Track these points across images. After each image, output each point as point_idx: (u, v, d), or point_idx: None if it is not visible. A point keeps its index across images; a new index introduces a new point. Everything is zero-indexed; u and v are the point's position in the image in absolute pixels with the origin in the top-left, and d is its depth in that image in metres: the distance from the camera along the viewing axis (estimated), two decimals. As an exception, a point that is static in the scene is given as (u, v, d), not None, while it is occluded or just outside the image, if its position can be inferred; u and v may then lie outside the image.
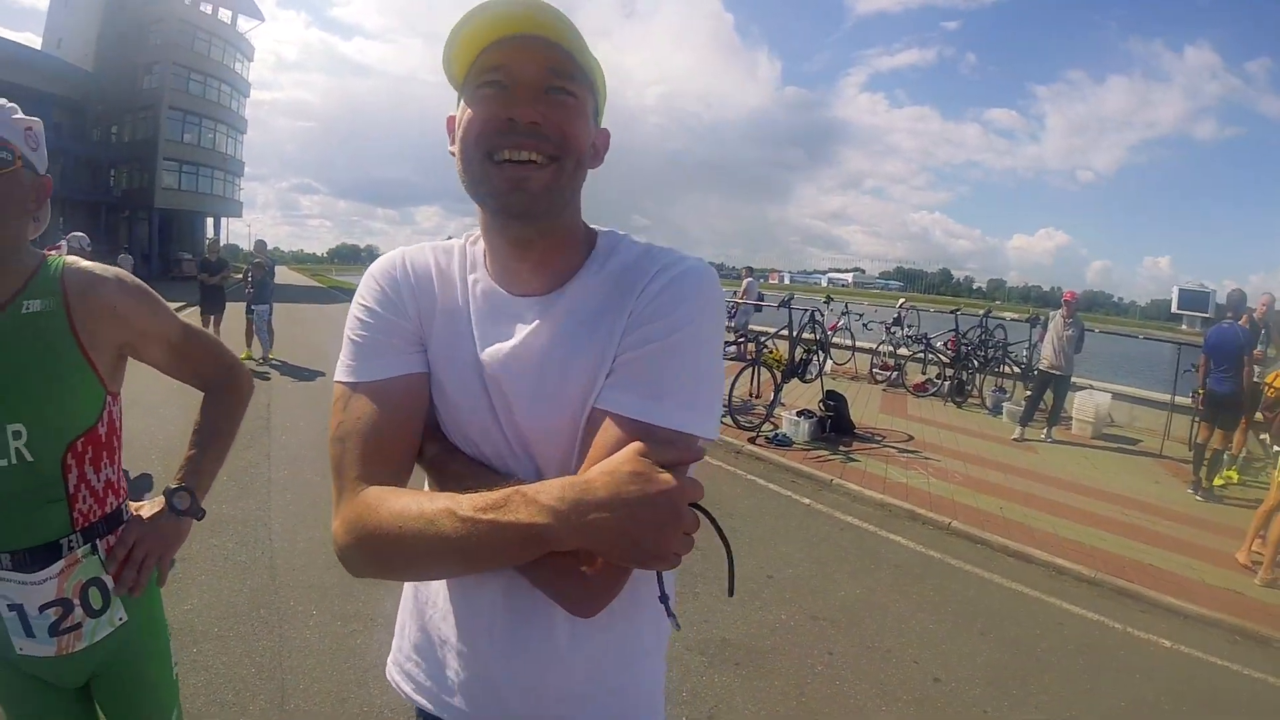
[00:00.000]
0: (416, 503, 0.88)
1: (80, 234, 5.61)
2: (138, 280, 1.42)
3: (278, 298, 13.18)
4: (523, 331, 0.97)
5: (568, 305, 0.97)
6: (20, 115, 1.32)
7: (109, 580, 1.36)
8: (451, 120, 0.99)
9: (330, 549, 0.94)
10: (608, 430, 0.89)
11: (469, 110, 0.92)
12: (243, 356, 11.30)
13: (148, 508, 1.46)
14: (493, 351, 0.98)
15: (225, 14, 46.84)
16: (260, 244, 12.35)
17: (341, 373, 1.01)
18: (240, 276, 11.79)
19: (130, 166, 42.87)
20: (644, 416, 0.88)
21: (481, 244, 1.05)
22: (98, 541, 1.36)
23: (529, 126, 0.88)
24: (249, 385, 1.63)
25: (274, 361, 11.43)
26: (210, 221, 48.27)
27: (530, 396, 0.95)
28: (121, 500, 1.43)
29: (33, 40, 44.64)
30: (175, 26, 41.75)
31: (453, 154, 0.97)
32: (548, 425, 0.95)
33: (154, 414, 6.53)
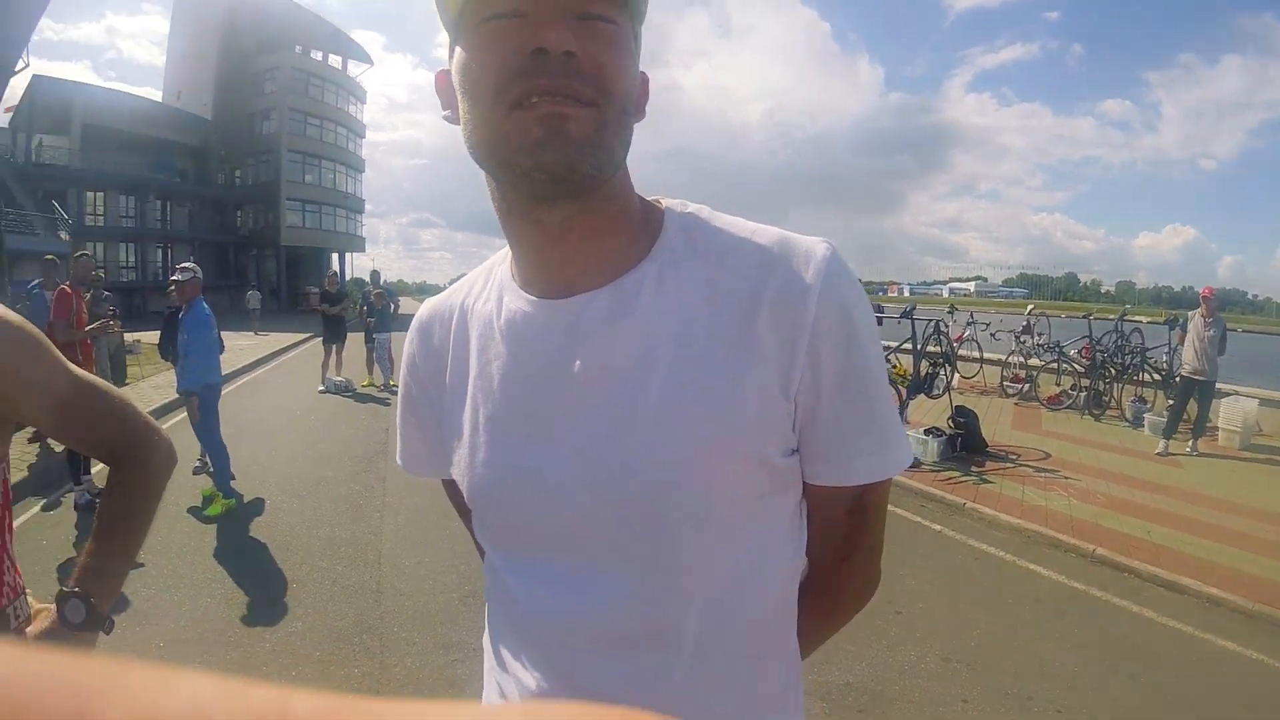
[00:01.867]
0: None
1: (190, 265, 5.73)
2: (18, 319, 1.11)
3: (401, 327, 13.80)
4: (578, 347, 0.76)
5: (650, 304, 0.75)
6: None
7: None
8: (444, 77, 0.77)
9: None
10: (837, 499, 0.79)
11: (475, 53, 0.69)
12: (363, 384, 12.07)
13: (40, 618, 1.19)
14: (525, 383, 0.79)
15: (335, 60, 50.39)
16: (374, 274, 13.08)
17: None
18: (359, 308, 12.32)
19: (255, 207, 46.67)
20: (882, 475, 0.77)
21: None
22: None
23: (563, 58, 0.65)
24: (167, 458, 1.25)
25: (394, 388, 11.81)
26: (335, 257, 50.99)
27: (604, 439, 0.74)
28: (11, 599, 1.16)
29: (154, 94, 49.16)
30: (288, 74, 45.31)
31: (447, 119, 0.76)
32: (643, 481, 0.73)
33: (267, 438, 7.00)
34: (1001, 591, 4.58)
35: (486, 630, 0.92)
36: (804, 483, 0.80)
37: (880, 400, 0.76)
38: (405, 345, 0.96)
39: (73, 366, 1.17)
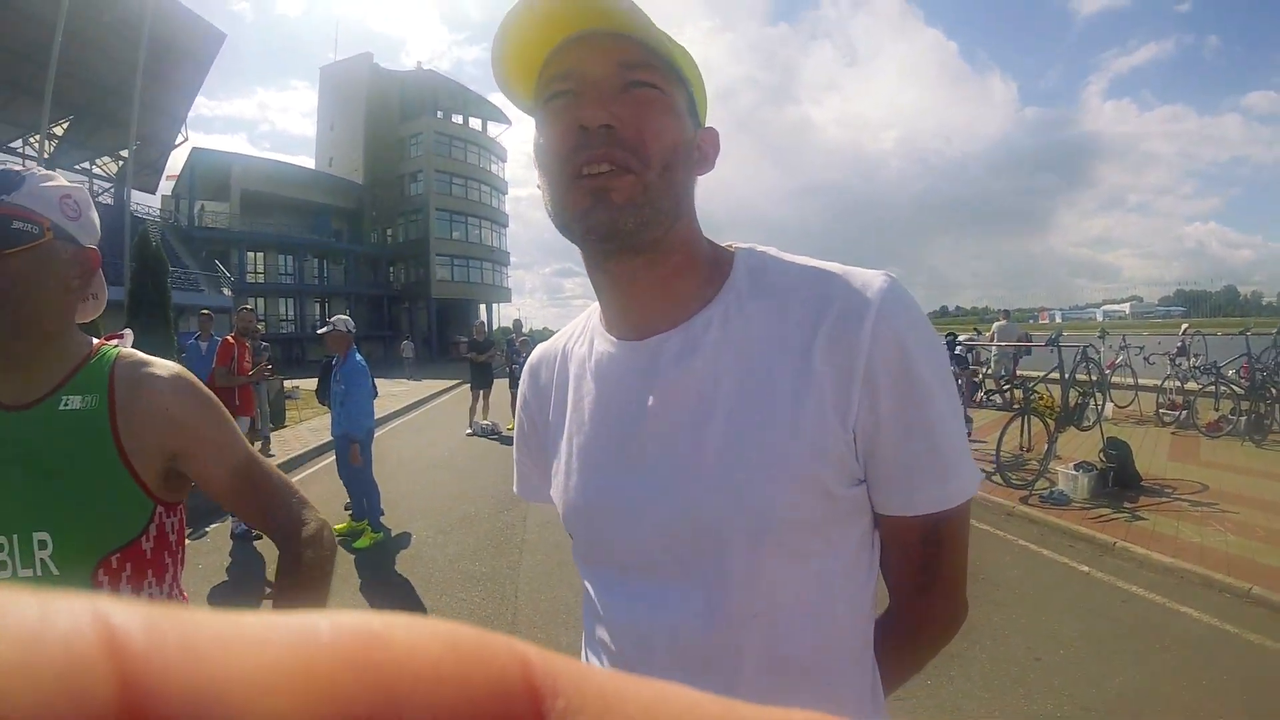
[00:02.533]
0: None
1: (344, 316, 6.09)
2: (200, 384, 1.23)
3: None
4: (653, 384, 0.83)
5: (716, 342, 0.81)
6: (57, 182, 1.14)
7: None
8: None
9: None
10: (908, 529, 0.82)
11: (543, 132, 0.80)
12: (509, 427, 12.40)
13: None
14: (610, 417, 0.87)
15: (475, 122, 53.66)
16: (517, 324, 13.94)
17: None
18: (505, 355, 13.05)
19: (407, 263, 50.18)
20: (943, 505, 0.80)
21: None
22: None
23: (602, 132, 0.75)
24: (330, 543, 1.26)
25: None
26: (482, 307, 53.73)
27: (674, 468, 0.81)
28: None
29: (307, 162, 54.28)
30: (431, 139, 48.70)
31: (540, 188, 0.84)
32: (707, 505, 0.78)
33: (416, 477, 7.42)
34: (1149, 637, 4.34)
35: (583, 648, 0.97)
36: (876, 514, 0.84)
37: (943, 430, 0.79)
38: (519, 385, 1.09)
39: (249, 446, 1.25)
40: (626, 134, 0.76)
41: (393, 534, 6.35)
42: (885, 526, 0.85)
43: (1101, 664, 4.03)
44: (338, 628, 0.12)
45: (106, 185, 32.63)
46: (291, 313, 43.02)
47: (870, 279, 0.80)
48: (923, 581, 0.86)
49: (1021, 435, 8.41)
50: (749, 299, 0.83)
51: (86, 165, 32.30)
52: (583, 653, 0.97)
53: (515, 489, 1.14)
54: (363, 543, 5.97)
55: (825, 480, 0.78)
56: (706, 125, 0.90)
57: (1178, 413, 10.93)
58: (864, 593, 0.85)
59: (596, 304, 0.94)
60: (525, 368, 1.06)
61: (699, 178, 0.86)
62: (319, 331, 6.25)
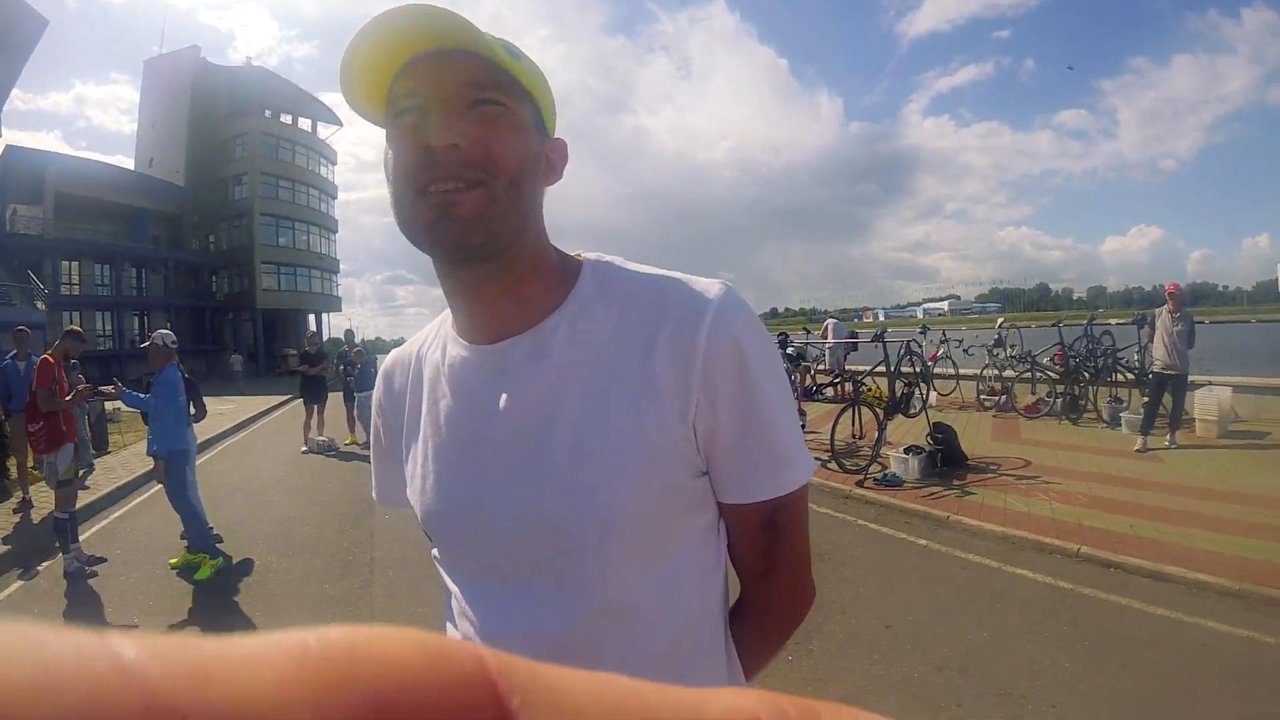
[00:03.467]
0: None
1: (165, 331, 5.80)
2: None
3: None
4: (504, 386, 0.85)
5: (563, 345, 0.84)
6: None
7: None
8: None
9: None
10: (749, 517, 0.86)
11: (391, 146, 0.82)
12: (346, 442, 12.09)
13: None
14: (463, 419, 0.89)
15: (305, 123, 50.80)
16: (349, 334, 13.20)
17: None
18: (338, 367, 12.46)
19: (230, 271, 46.75)
20: (778, 491, 0.84)
21: None
22: None
23: (448, 150, 0.77)
24: None
25: None
26: (311, 318, 51.05)
27: (524, 469, 0.83)
28: None
29: (126, 162, 49.25)
30: (258, 139, 45.76)
31: (390, 201, 0.86)
32: (556, 503, 0.81)
33: (253, 499, 7.06)
34: (990, 598, 4.61)
35: None
36: (719, 503, 0.87)
37: (777, 424, 0.83)
38: (374, 390, 1.08)
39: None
40: (473, 152, 0.77)
41: (234, 561, 5.91)
42: (728, 515, 0.89)
43: (949, 625, 4.23)
44: (324, 642, 0.13)
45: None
46: (109, 327, 39.15)
47: (707, 286, 0.84)
48: (766, 566, 0.90)
49: (853, 424, 8.81)
50: (595, 304, 0.85)
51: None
52: None
53: (374, 495, 1.12)
54: (203, 573, 5.47)
55: (669, 475, 0.81)
56: (555, 136, 0.91)
57: (998, 397, 11.76)
58: (714, 582, 0.89)
59: (448, 310, 0.94)
60: (380, 373, 1.06)
61: (547, 188, 0.88)
62: (141, 346, 5.80)
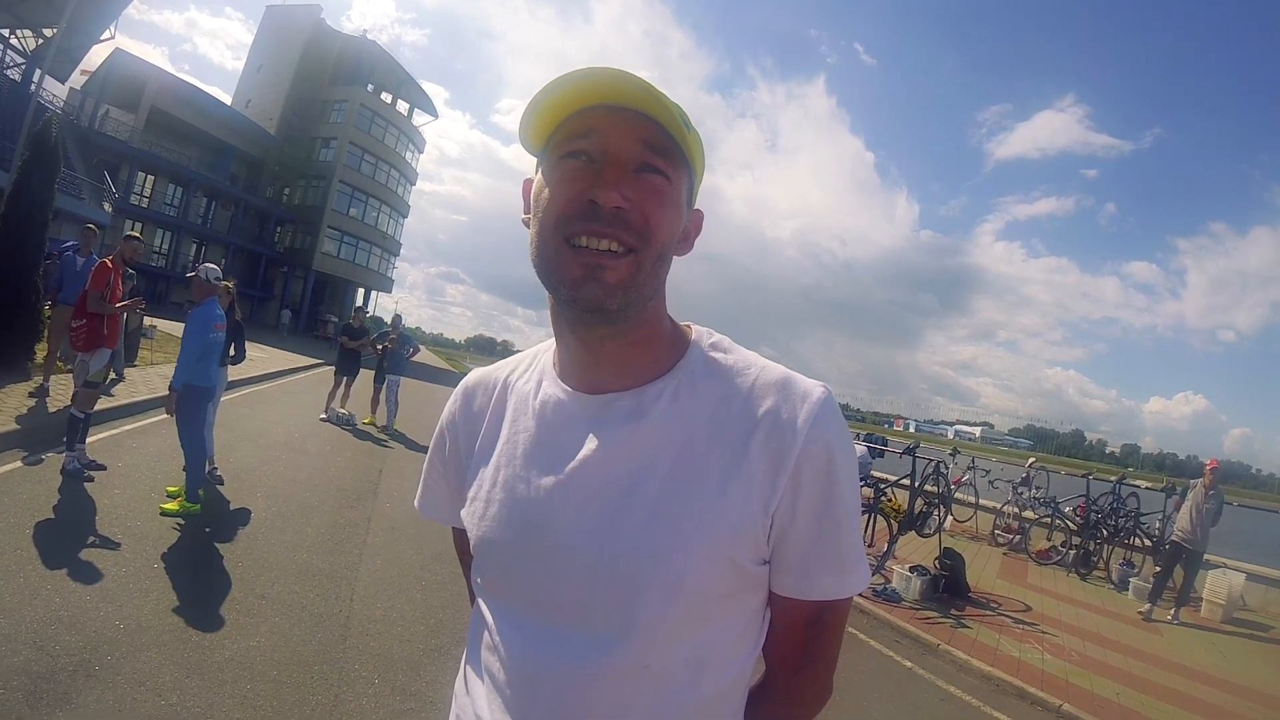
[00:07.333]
0: None
1: (212, 266, 5.84)
2: None
3: (412, 373, 13.73)
4: (596, 437, 0.87)
5: (663, 411, 0.86)
6: None
7: None
8: (528, 185, 0.92)
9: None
10: (798, 611, 0.88)
11: (549, 183, 0.83)
12: (365, 421, 12.22)
13: None
14: (544, 458, 0.90)
15: (403, 106, 51.69)
16: (397, 318, 13.31)
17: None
18: (378, 347, 12.56)
19: (295, 227, 47.77)
20: (836, 595, 0.86)
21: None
22: None
23: (613, 212, 0.79)
24: None
25: (396, 432, 12.04)
26: (361, 291, 51.91)
27: (601, 520, 0.84)
28: None
29: (223, 96, 49.87)
30: (355, 109, 46.73)
31: (525, 223, 0.90)
32: (626, 562, 0.81)
33: (263, 452, 7.13)
34: None
35: (462, 675, 0.99)
36: (770, 591, 0.89)
37: (848, 530, 0.85)
38: (449, 403, 1.07)
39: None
40: (634, 219, 0.80)
41: (231, 507, 6.00)
42: (777, 606, 0.89)
43: (915, 755, 4.07)
44: None
45: (19, 60, 29.58)
46: (166, 246, 40.04)
47: (811, 387, 0.86)
48: (800, 662, 0.92)
49: (865, 531, 8.61)
50: (701, 379, 0.88)
51: (4, 32, 29.10)
52: (461, 670, 1.00)
53: (416, 504, 1.12)
54: (171, 507, 5.47)
55: (738, 557, 0.82)
56: (695, 207, 0.93)
57: (1012, 536, 11.56)
58: (747, 663, 0.90)
59: (549, 344, 0.98)
60: (460, 389, 1.07)
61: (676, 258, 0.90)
62: (187, 276, 5.84)
